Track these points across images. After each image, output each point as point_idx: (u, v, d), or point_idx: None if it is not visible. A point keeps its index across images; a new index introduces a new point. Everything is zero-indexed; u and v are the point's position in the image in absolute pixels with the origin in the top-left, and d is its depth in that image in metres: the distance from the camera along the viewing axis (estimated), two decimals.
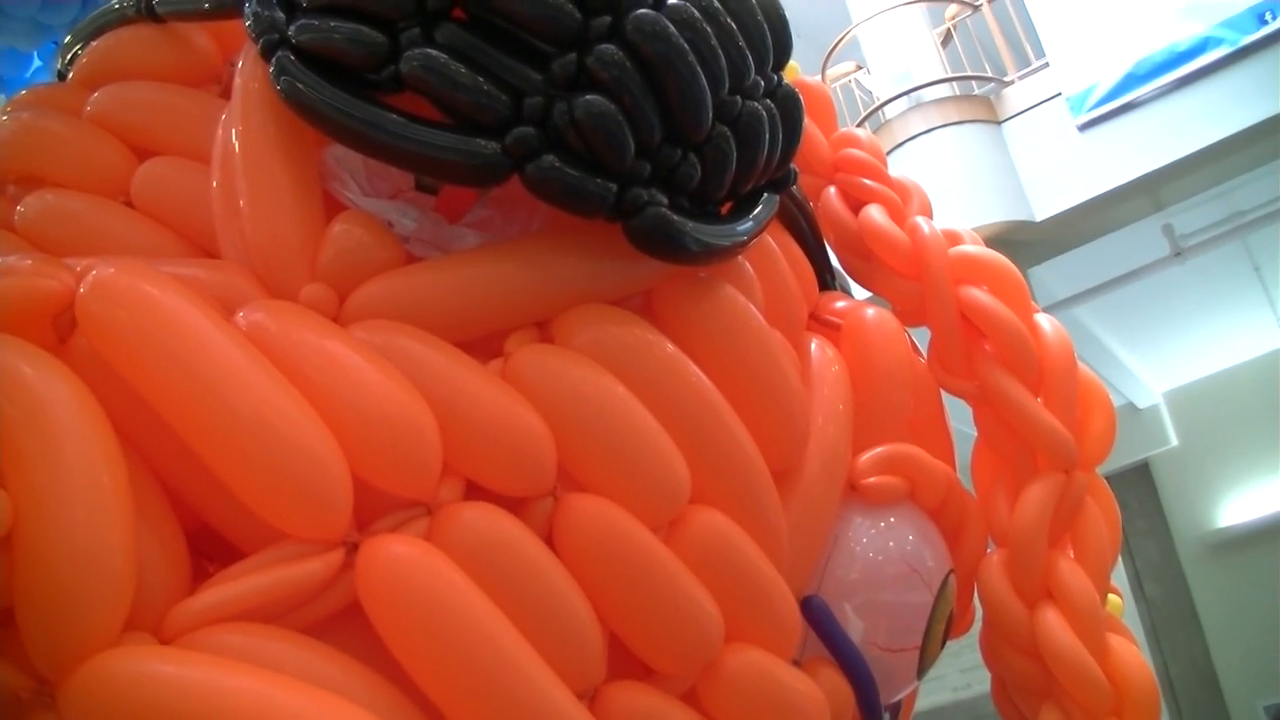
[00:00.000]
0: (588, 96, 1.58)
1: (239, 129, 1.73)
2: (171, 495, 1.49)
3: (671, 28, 1.61)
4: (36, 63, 3.73)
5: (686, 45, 1.62)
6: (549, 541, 1.58)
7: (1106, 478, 2.44)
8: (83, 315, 1.44)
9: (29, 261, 1.51)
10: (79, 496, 1.29)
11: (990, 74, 10.66)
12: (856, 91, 12.02)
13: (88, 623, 1.27)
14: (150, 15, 2.06)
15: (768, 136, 1.81)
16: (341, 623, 1.47)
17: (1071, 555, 2.29)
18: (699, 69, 1.64)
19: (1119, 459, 13.10)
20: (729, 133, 1.73)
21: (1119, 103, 9.52)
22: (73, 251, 1.66)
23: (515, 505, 1.58)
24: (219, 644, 1.35)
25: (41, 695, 1.27)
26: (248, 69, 1.76)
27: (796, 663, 1.85)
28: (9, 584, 1.27)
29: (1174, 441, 14.67)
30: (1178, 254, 10.98)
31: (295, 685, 1.32)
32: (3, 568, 1.27)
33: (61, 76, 2.24)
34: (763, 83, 1.82)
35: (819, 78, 10.69)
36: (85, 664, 1.26)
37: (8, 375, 1.33)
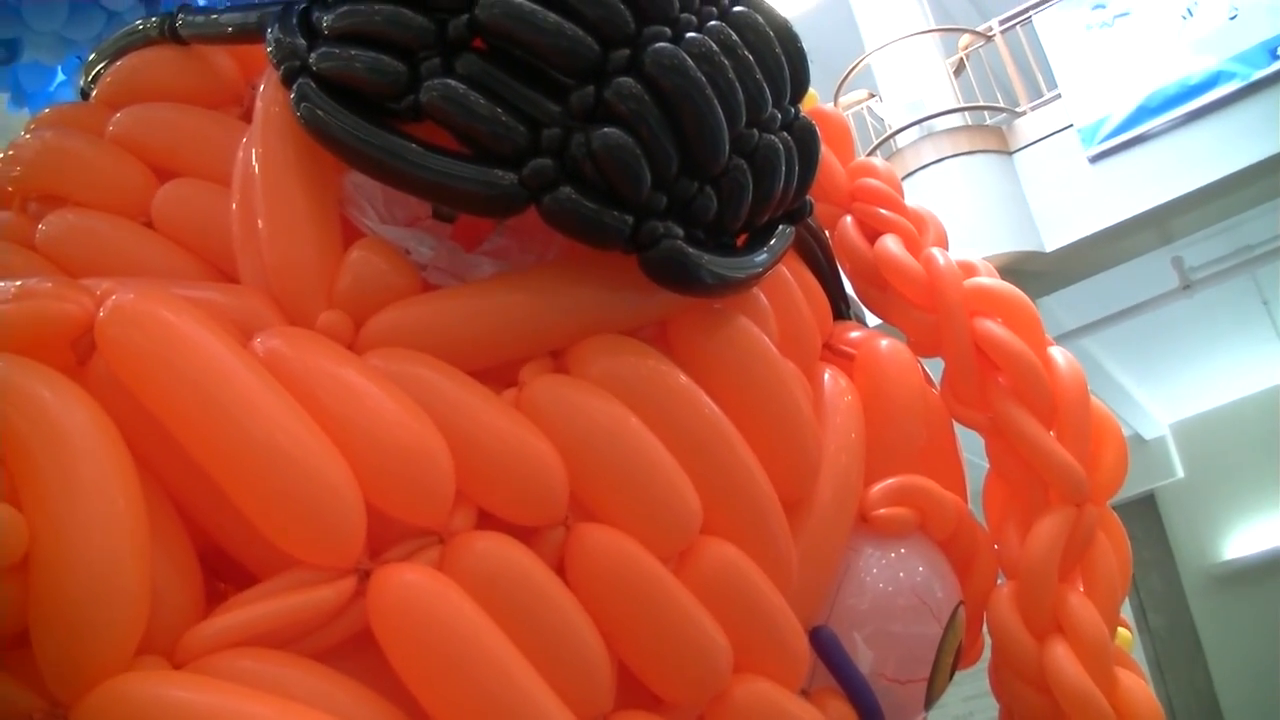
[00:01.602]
0: (605, 129, 1.59)
1: (259, 153, 1.74)
2: (186, 519, 1.50)
3: (689, 61, 1.62)
4: (60, 77, 3.74)
5: (704, 79, 1.63)
6: (560, 571, 1.58)
7: (1112, 508, 2.44)
8: (102, 339, 1.44)
9: (49, 285, 1.51)
10: (95, 520, 1.29)
11: (1002, 104, 10.68)
12: (869, 119, 12.04)
13: (102, 646, 1.27)
14: (174, 37, 2.08)
15: (784, 169, 1.81)
16: (353, 650, 1.47)
17: (1081, 589, 2.29)
18: (716, 102, 1.65)
19: (1125, 490, 13.04)
20: (745, 165, 1.74)
21: (1130, 135, 9.54)
22: (92, 271, 1.67)
23: (527, 534, 1.58)
24: (232, 669, 1.35)
25: (54, 717, 1.27)
26: (269, 94, 1.77)
27: (805, 693, 1.85)
28: (24, 606, 1.27)
29: (1180, 473, 14.65)
30: (1186, 287, 10.99)
31: (306, 712, 1.32)
32: (18, 590, 1.27)
33: (84, 95, 2.25)
34: (780, 115, 1.83)
35: (832, 105, 10.72)
36: (99, 687, 1.26)
37: (26, 398, 1.33)
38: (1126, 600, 2.45)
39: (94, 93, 2.17)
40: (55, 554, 1.27)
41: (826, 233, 2.48)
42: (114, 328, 1.44)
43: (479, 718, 1.43)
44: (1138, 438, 14.26)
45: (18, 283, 1.51)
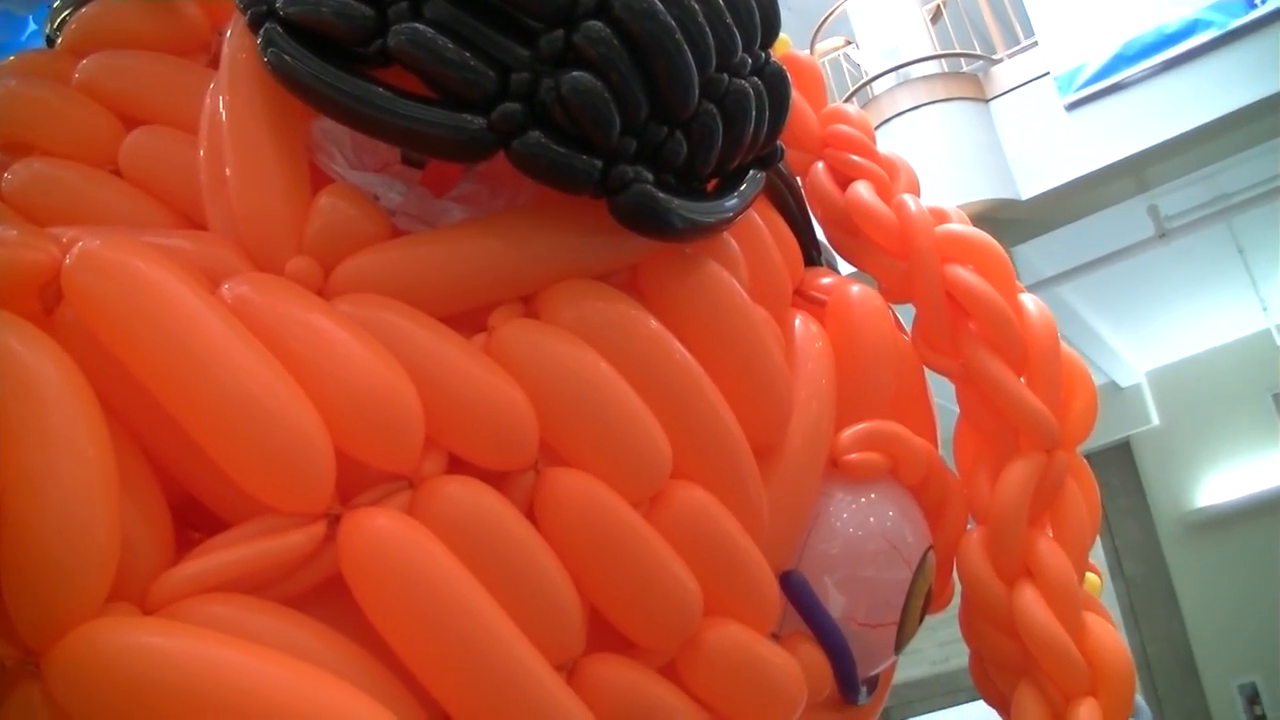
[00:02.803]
0: (574, 73, 1.58)
1: (226, 100, 1.73)
2: (156, 467, 1.49)
3: (659, 5, 1.61)
4: (32, 26, 3.70)
5: (674, 22, 1.62)
6: (530, 515, 1.59)
7: (1088, 456, 2.45)
8: (69, 287, 1.43)
9: (14, 233, 1.50)
10: (64, 468, 1.29)
11: (979, 52, 10.66)
12: (845, 66, 12.01)
13: (72, 593, 1.27)
14: None
15: (754, 114, 1.81)
16: (324, 595, 1.48)
17: (1051, 534, 2.31)
18: (686, 46, 1.64)
19: (1100, 437, 13.15)
20: (715, 110, 1.73)
21: (1107, 83, 9.54)
22: (60, 220, 1.66)
23: (497, 479, 1.58)
24: (202, 615, 1.35)
25: (27, 664, 1.27)
26: (235, 40, 1.76)
27: (776, 637, 1.86)
28: None
29: (1155, 421, 14.73)
30: (1162, 235, 11.01)
31: (278, 656, 1.33)
32: None
33: (50, 42, 2.23)
34: (750, 60, 1.82)
35: (808, 51, 10.68)
36: (70, 634, 1.26)
37: None
38: (1101, 548, 2.47)
39: (59, 40, 2.15)
40: (24, 503, 1.27)
41: (798, 179, 2.47)
42: (81, 275, 1.43)
43: (450, 660, 1.44)
44: (1113, 385, 14.33)
45: None
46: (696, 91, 1.69)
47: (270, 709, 1.28)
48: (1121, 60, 9.52)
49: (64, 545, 1.27)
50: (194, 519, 1.56)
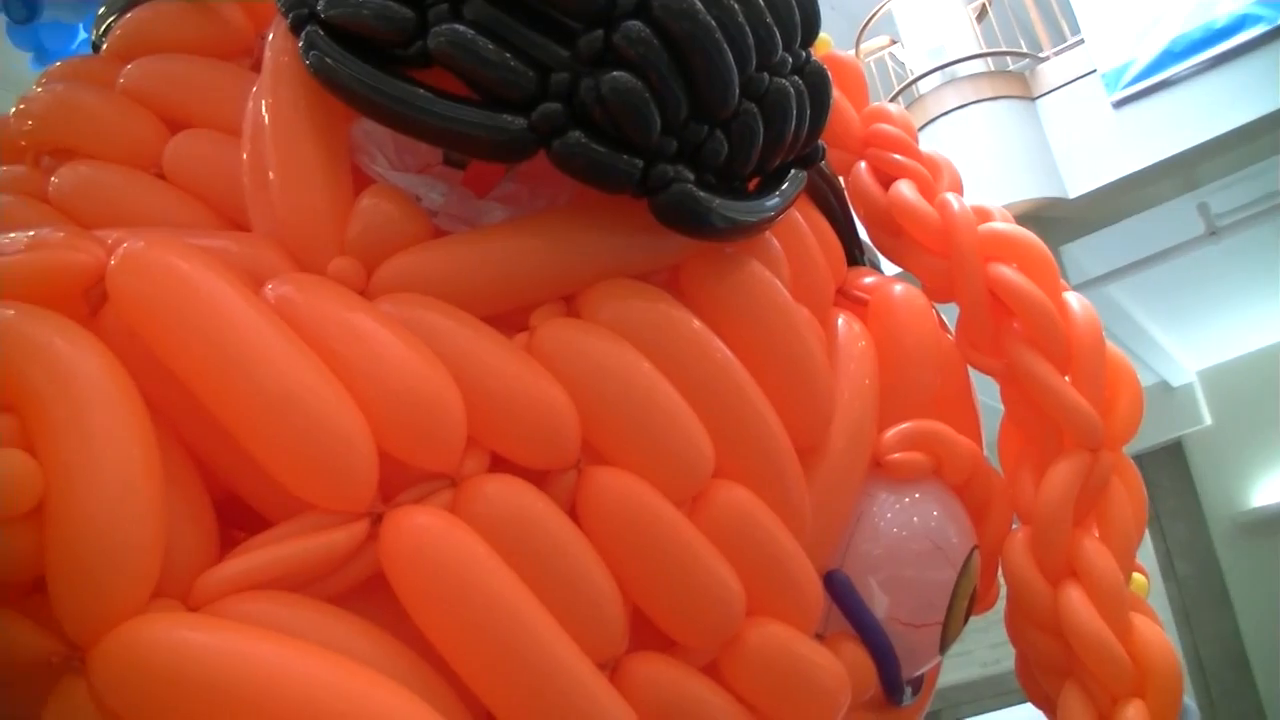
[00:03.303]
0: (614, 73, 1.59)
1: (268, 102, 1.74)
2: (200, 465, 1.51)
3: (698, 5, 1.61)
4: (82, 35, 3.75)
5: (713, 22, 1.62)
6: (572, 514, 1.60)
7: (1139, 456, 2.44)
8: (113, 288, 1.45)
9: (61, 235, 1.53)
10: (109, 466, 1.31)
11: (1025, 50, 10.59)
12: (890, 65, 11.96)
13: (117, 590, 1.29)
14: None
15: (795, 113, 1.81)
16: (366, 593, 1.49)
17: (1096, 535, 2.29)
18: (725, 46, 1.64)
19: (1152, 437, 13.04)
20: (756, 109, 1.73)
21: (1154, 80, 9.45)
22: (105, 223, 1.68)
23: (539, 478, 1.59)
24: (245, 612, 1.37)
25: (71, 660, 1.29)
26: (277, 43, 1.77)
27: (820, 637, 1.86)
28: (40, 552, 1.29)
29: (1207, 421, 14.57)
30: (1213, 233, 10.88)
31: (320, 653, 1.34)
32: (34, 536, 1.29)
33: (95, 48, 2.26)
34: (790, 59, 1.82)
35: (853, 51, 10.66)
36: (114, 630, 1.28)
37: (40, 347, 1.35)
38: (1152, 548, 2.46)
39: (104, 46, 2.17)
40: (70, 500, 1.29)
41: (840, 178, 2.47)
42: (125, 276, 1.45)
43: (490, 659, 1.45)
44: (1164, 385, 14.19)
45: (30, 234, 1.52)
46: (736, 91, 1.69)
47: (314, 707, 1.29)
48: (1169, 57, 9.43)
49: (108, 542, 1.29)
50: (238, 517, 1.57)
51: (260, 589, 1.41)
